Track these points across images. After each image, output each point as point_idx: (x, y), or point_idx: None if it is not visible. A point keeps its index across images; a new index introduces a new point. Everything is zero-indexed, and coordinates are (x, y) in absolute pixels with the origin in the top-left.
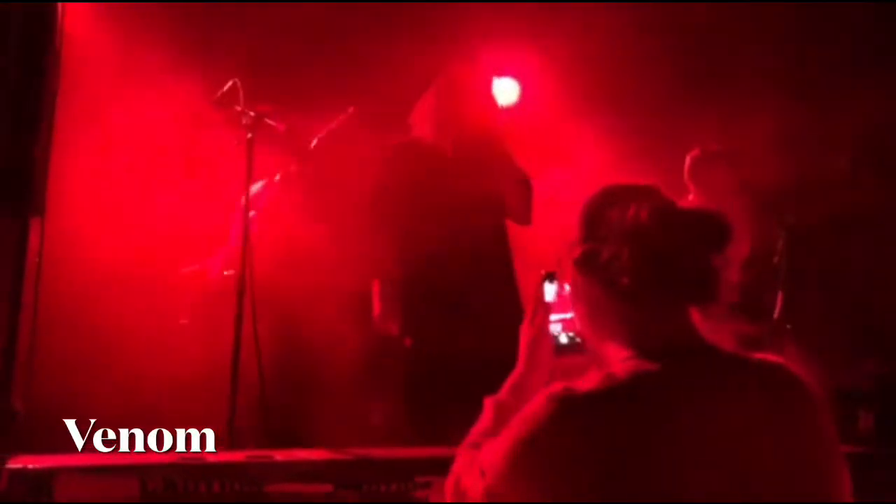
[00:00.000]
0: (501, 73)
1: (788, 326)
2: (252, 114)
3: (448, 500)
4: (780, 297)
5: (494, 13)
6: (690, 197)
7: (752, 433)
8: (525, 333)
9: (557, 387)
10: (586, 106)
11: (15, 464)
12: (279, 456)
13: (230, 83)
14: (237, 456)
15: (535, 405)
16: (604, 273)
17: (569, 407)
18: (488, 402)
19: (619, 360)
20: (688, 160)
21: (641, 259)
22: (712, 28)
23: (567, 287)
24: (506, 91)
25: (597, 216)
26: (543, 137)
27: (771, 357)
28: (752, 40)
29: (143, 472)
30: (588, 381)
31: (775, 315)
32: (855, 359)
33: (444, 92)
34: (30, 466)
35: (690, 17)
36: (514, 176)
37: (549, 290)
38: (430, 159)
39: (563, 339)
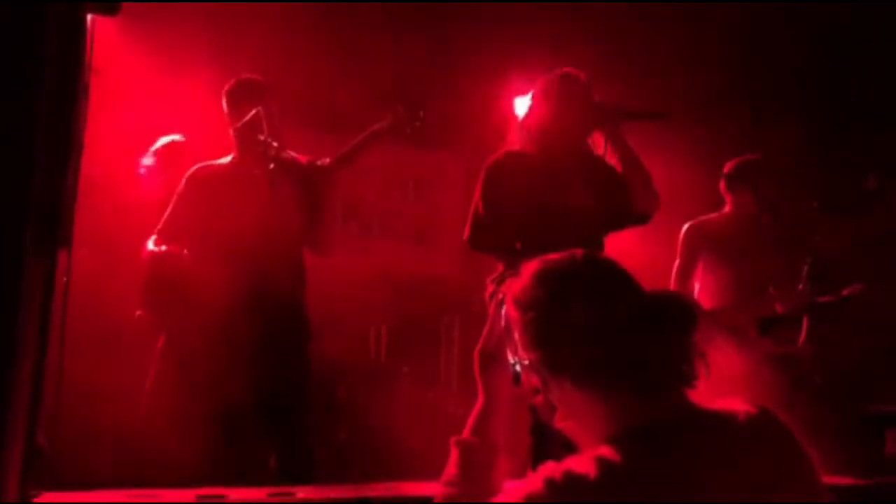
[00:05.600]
0: (526, 89)
1: (814, 351)
2: (275, 144)
3: None
4: (805, 322)
5: (518, 31)
6: (727, 209)
7: (749, 495)
8: (479, 362)
9: (555, 470)
10: None
11: (41, 501)
12: (300, 493)
13: (253, 112)
14: (258, 494)
15: (533, 487)
16: (569, 370)
17: (569, 495)
18: (453, 444)
19: (605, 438)
20: (727, 170)
21: (609, 356)
22: (744, 45)
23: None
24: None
25: (547, 314)
26: None
27: (746, 405)
28: (781, 58)
29: None
30: (581, 464)
31: (801, 341)
32: (884, 380)
33: (540, 101)
34: None
35: (718, 31)
36: (639, 174)
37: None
38: (536, 171)
39: (518, 368)
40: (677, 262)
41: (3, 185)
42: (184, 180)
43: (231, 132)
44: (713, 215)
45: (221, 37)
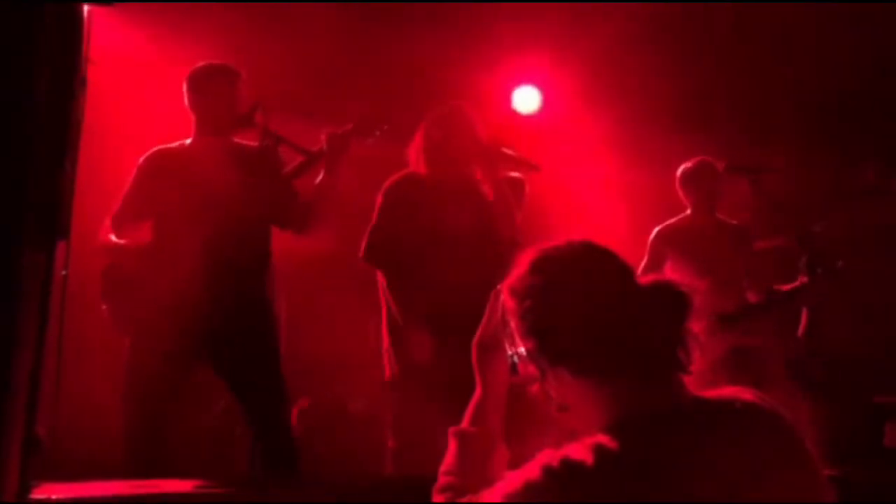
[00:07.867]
0: (523, 82)
1: (813, 343)
2: (275, 136)
3: None
4: (804, 313)
5: (516, 22)
6: (688, 211)
7: (747, 482)
8: (477, 352)
9: (553, 458)
10: (607, 113)
11: (39, 494)
12: (302, 479)
13: (253, 104)
14: (262, 483)
15: (531, 475)
16: (567, 358)
17: (567, 482)
18: (451, 434)
19: (603, 426)
20: (680, 172)
21: (606, 344)
22: (737, 37)
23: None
24: (528, 99)
25: (544, 302)
26: (564, 144)
27: (743, 393)
28: (776, 51)
29: (166, 500)
30: (579, 452)
31: (800, 332)
32: (884, 371)
33: (433, 128)
34: (53, 497)
35: (716, 28)
36: (505, 203)
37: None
38: (427, 193)
39: (516, 358)
40: (643, 263)
41: (1, 178)
42: (139, 163)
43: (195, 115)
44: (677, 219)
45: (220, 24)
